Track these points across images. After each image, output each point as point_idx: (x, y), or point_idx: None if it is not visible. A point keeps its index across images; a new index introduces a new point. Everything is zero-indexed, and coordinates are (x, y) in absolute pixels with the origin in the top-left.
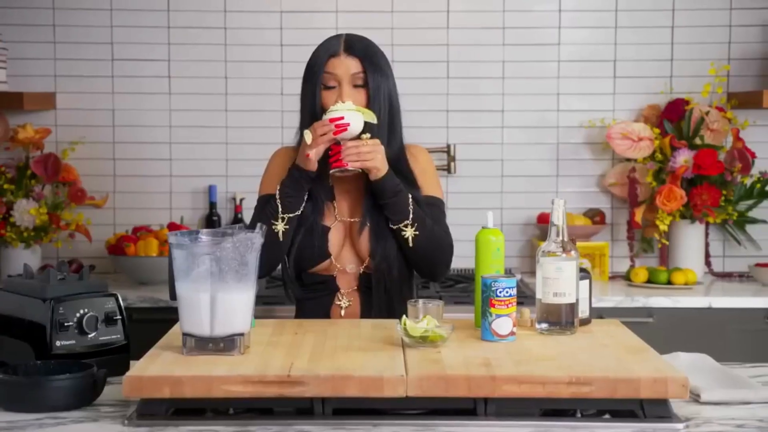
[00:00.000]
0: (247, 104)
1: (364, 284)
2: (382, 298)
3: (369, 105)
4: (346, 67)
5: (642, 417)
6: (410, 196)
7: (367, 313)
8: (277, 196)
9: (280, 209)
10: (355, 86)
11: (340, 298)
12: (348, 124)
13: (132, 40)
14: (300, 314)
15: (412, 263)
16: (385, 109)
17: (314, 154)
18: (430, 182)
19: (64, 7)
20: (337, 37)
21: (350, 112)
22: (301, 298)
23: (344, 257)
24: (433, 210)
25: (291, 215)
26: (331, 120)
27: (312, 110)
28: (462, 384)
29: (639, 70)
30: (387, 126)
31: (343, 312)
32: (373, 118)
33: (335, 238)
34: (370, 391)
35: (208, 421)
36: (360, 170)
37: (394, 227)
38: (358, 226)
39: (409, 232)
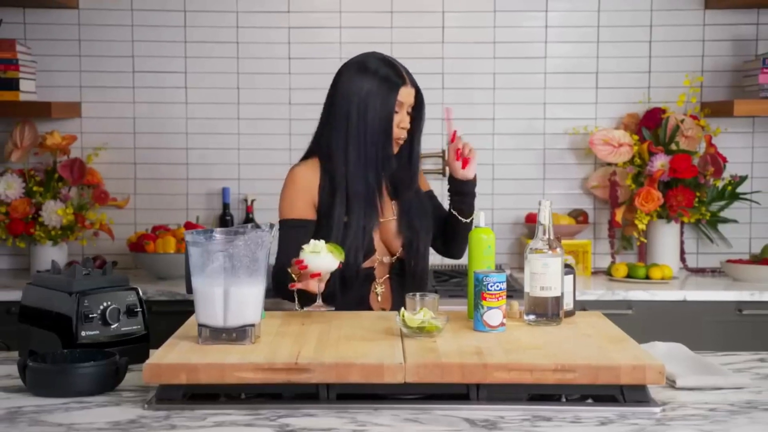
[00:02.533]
0: (257, 113)
1: (395, 271)
2: (416, 280)
3: (419, 126)
4: (410, 96)
5: (622, 401)
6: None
7: (399, 295)
8: (296, 298)
9: (296, 304)
10: (408, 113)
11: (376, 286)
12: (306, 267)
13: (151, 53)
14: (337, 306)
15: (457, 250)
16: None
17: (314, 286)
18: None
19: (88, 24)
20: (394, 65)
21: (325, 254)
22: (342, 294)
23: (379, 250)
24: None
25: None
26: (297, 262)
27: (387, 131)
28: (456, 371)
29: (619, 81)
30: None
31: (379, 297)
32: (341, 256)
33: (375, 236)
34: (371, 378)
35: (222, 405)
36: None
37: (467, 220)
38: (389, 223)
39: (479, 219)
